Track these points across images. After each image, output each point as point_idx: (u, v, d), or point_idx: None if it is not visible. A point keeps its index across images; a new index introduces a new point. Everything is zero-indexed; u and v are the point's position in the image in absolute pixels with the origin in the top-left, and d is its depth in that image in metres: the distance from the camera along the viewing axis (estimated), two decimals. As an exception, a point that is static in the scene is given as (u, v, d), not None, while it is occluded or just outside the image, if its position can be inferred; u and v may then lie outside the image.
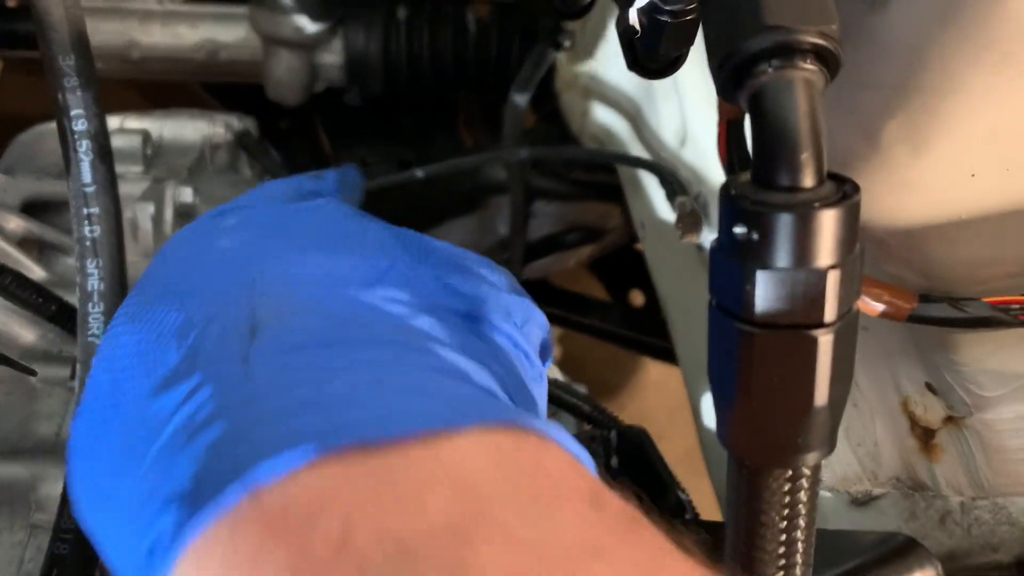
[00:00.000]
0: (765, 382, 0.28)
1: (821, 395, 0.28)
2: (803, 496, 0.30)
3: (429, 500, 0.22)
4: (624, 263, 1.05)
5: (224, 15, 0.93)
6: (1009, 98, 0.33)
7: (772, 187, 0.26)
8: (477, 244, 0.97)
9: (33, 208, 0.62)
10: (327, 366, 0.26)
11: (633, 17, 0.36)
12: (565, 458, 0.26)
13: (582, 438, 0.58)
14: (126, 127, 0.72)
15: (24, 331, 0.56)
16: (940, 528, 0.51)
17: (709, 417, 0.73)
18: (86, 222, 0.48)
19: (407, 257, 0.32)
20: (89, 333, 0.47)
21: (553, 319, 0.55)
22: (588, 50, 0.86)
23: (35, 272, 0.60)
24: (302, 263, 0.30)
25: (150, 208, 0.63)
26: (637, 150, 0.77)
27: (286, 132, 1.03)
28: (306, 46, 0.92)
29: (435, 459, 0.23)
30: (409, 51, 0.93)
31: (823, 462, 0.30)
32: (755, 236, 0.26)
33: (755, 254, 0.26)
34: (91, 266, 0.48)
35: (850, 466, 0.54)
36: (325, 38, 0.92)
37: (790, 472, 0.30)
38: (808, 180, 0.26)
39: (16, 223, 0.59)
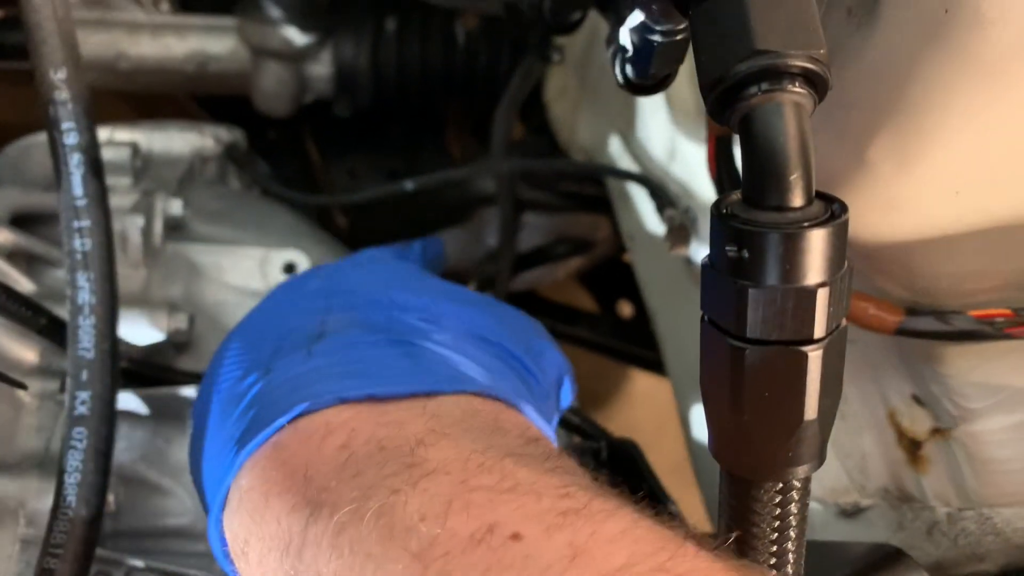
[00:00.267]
0: (756, 396, 0.28)
1: (811, 409, 0.28)
2: (794, 508, 0.31)
3: (408, 425, 0.33)
4: (613, 275, 1.05)
5: (213, 27, 0.93)
6: (992, 117, 0.34)
7: (762, 207, 0.27)
8: (466, 255, 0.98)
9: (22, 220, 0.61)
10: (360, 355, 0.37)
11: (624, 36, 0.37)
12: (521, 419, 0.36)
13: (572, 451, 0.58)
14: (115, 139, 0.72)
15: (14, 344, 0.55)
16: (927, 539, 0.51)
17: (698, 428, 0.73)
18: (77, 235, 0.48)
19: (445, 301, 0.42)
20: (79, 346, 0.47)
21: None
22: (577, 64, 0.86)
23: (24, 285, 0.59)
24: (364, 295, 0.43)
25: (139, 221, 0.63)
26: (626, 163, 0.77)
27: (275, 143, 1.03)
28: (295, 58, 0.92)
29: (421, 407, 0.34)
30: (398, 63, 0.94)
31: (812, 475, 0.31)
32: (746, 254, 0.26)
33: (746, 272, 0.27)
34: (82, 279, 0.47)
35: (838, 478, 0.54)
36: (314, 50, 0.93)
37: (781, 485, 0.30)
38: (797, 200, 0.26)
39: (4, 235, 0.59)
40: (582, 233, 0.97)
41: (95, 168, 0.48)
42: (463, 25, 0.95)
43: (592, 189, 0.93)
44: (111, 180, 0.64)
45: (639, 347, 1.01)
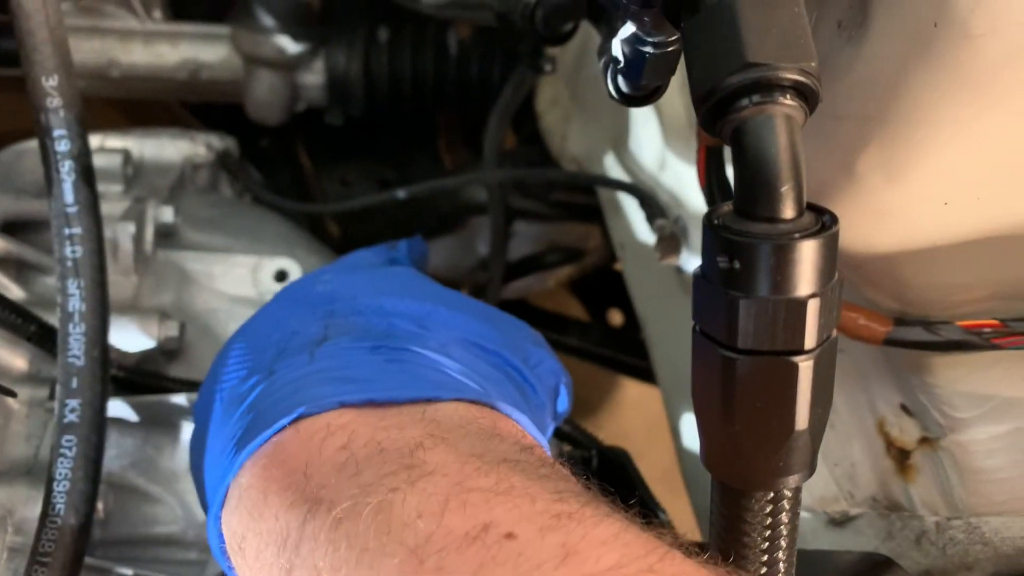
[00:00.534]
0: (747, 406, 0.28)
1: (802, 419, 0.29)
2: (784, 517, 0.31)
3: (407, 429, 0.34)
4: (603, 283, 1.05)
5: (206, 35, 0.93)
6: (980, 129, 0.34)
7: (753, 218, 0.27)
8: (457, 264, 0.98)
9: (12, 227, 0.61)
10: (362, 360, 0.38)
11: (616, 48, 0.37)
12: (516, 428, 0.37)
13: (563, 459, 0.58)
14: (106, 146, 0.72)
15: (3, 351, 0.55)
16: (916, 548, 0.51)
17: (688, 437, 0.74)
18: (68, 242, 0.47)
19: (444, 308, 0.43)
20: (70, 353, 0.47)
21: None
22: (569, 74, 0.87)
23: (13, 292, 0.59)
24: (366, 300, 0.43)
25: (130, 228, 0.62)
26: (617, 173, 0.77)
27: (267, 151, 1.03)
28: (287, 66, 0.92)
29: (420, 413, 0.35)
30: (390, 72, 0.94)
31: (802, 484, 0.31)
32: (737, 265, 0.27)
33: (737, 283, 0.27)
34: (72, 287, 0.47)
35: (828, 487, 0.54)
36: (306, 58, 0.93)
37: (772, 494, 0.30)
38: (788, 212, 0.27)
39: (-5, 242, 0.58)
40: (573, 242, 0.98)
41: (86, 175, 0.48)
42: (456, 34, 0.95)
43: (583, 198, 0.93)
44: (102, 187, 0.64)
45: (629, 355, 1.02)
